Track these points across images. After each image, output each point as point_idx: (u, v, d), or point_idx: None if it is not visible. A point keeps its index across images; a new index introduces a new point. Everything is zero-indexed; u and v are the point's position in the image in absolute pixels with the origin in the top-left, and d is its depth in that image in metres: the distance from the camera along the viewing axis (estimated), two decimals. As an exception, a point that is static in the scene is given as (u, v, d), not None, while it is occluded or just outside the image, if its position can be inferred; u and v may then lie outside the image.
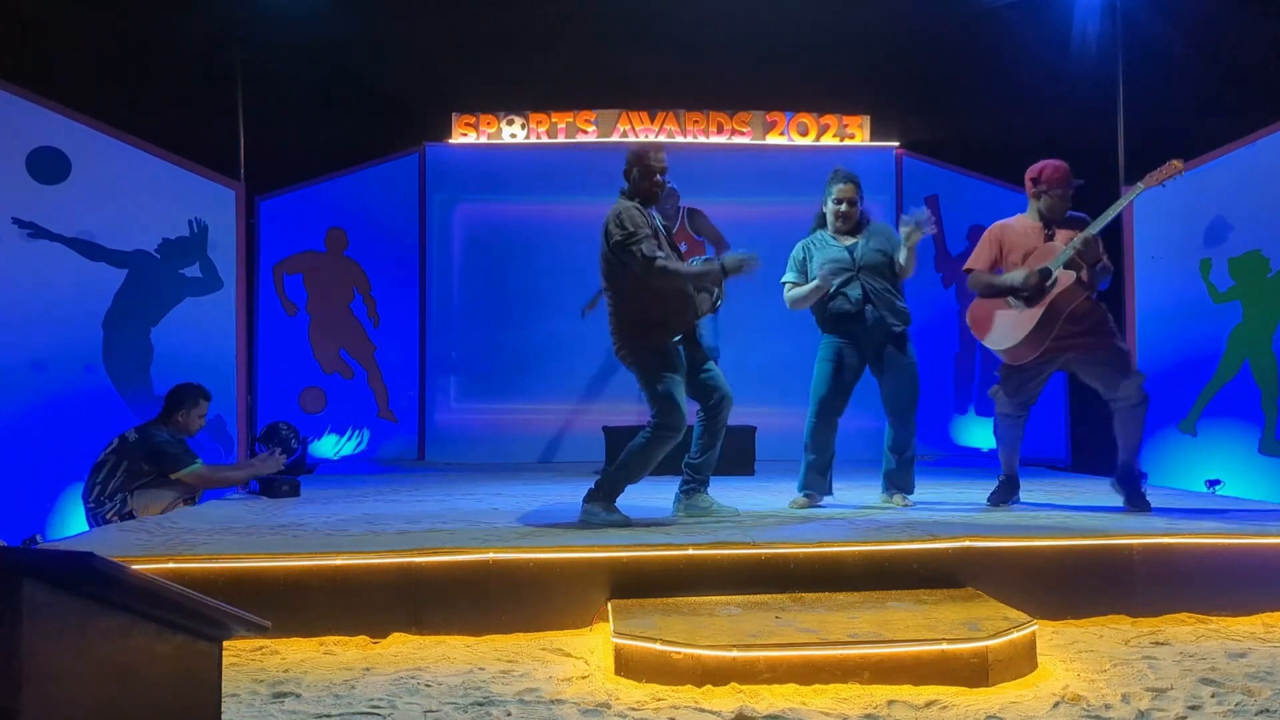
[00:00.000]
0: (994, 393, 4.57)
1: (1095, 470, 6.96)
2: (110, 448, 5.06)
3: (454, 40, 8.01)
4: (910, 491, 4.67)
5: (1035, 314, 4.18)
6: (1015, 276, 4.24)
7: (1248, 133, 6.19)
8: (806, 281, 4.61)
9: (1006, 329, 4.29)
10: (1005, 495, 4.61)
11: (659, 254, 3.95)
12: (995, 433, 4.66)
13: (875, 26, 7.74)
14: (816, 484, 4.63)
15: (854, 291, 4.52)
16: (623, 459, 4.05)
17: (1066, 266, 4.17)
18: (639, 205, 4.08)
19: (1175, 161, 4.10)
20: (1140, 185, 4.18)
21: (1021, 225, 4.41)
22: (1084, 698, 2.62)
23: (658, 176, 4.11)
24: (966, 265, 4.51)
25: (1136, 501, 4.34)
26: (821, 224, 4.72)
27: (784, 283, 4.70)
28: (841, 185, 4.59)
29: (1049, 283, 4.18)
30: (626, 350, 4.07)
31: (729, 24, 7.72)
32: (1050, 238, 4.28)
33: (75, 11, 7.30)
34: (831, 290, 4.52)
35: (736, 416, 6.82)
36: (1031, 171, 4.39)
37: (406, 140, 7.99)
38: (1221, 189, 6.29)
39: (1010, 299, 4.29)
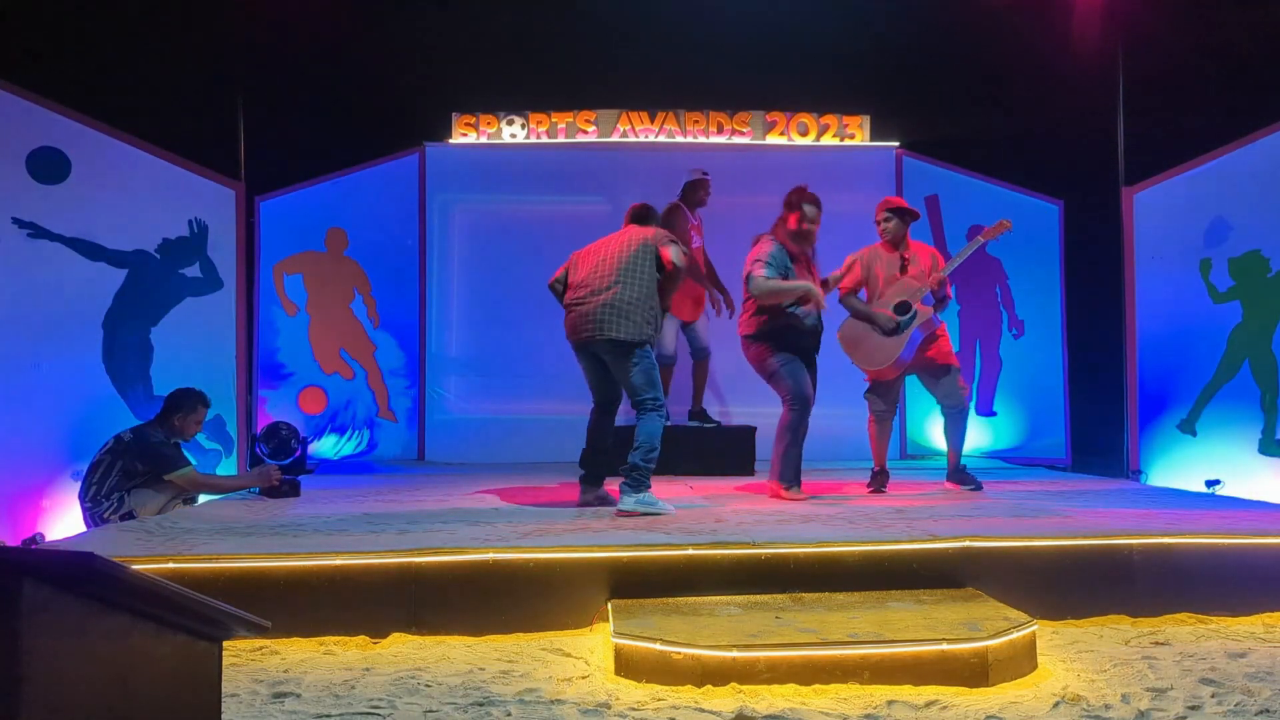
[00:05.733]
0: (870, 398, 5.24)
1: (1095, 470, 6.96)
2: (106, 448, 5.06)
3: (454, 40, 8.00)
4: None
5: (902, 341, 4.97)
6: (881, 318, 5.00)
7: (1248, 133, 6.19)
8: None
9: (874, 353, 5.03)
10: (882, 483, 5.24)
11: None
12: (870, 430, 5.28)
13: (875, 26, 7.74)
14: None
15: None
16: (650, 445, 4.32)
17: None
18: None
19: (1004, 221, 5.07)
20: (980, 238, 5.04)
21: (880, 252, 5.14)
22: (1084, 698, 2.62)
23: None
24: (840, 291, 5.14)
25: (971, 484, 5.17)
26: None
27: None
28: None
29: (909, 315, 4.95)
30: (636, 331, 4.34)
31: (729, 24, 7.71)
32: (904, 268, 5.05)
33: (76, 12, 7.30)
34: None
35: (737, 416, 6.90)
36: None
37: (406, 140, 7.97)
38: (1221, 189, 6.30)
39: (876, 328, 5.01)
